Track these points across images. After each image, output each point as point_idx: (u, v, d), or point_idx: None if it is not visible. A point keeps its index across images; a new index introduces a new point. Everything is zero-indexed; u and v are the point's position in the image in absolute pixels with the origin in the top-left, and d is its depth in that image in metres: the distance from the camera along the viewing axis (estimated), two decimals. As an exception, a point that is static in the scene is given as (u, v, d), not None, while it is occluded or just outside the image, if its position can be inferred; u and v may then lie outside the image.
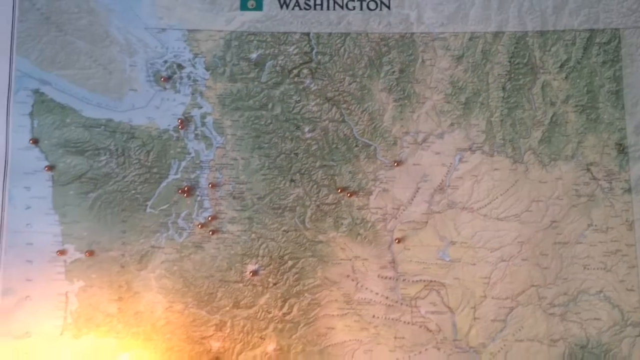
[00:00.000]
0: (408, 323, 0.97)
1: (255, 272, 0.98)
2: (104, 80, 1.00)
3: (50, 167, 0.99)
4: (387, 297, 0.98)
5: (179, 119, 1.00)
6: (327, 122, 1.00)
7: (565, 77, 0.99)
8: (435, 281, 0.98)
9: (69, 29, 1.00)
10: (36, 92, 0.99)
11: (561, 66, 0.99)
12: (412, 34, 1.01)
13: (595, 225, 0.97)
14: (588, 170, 0.97)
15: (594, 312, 0.96)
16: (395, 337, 0.97)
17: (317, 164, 0.99)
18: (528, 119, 0.99)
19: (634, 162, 0.97)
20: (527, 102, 0.99)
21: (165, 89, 1.00)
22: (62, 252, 0.98)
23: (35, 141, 0.99)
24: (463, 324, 0.97)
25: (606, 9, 1.00)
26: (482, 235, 0.98)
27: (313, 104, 1.00)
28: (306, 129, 1.00)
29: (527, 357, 0.96)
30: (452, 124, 0.99)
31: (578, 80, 0.99)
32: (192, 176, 0.99)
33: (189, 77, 1.00)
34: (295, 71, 1.00)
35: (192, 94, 1.00)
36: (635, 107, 0.98)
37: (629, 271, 0.96)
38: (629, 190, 0.97)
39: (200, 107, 1.00)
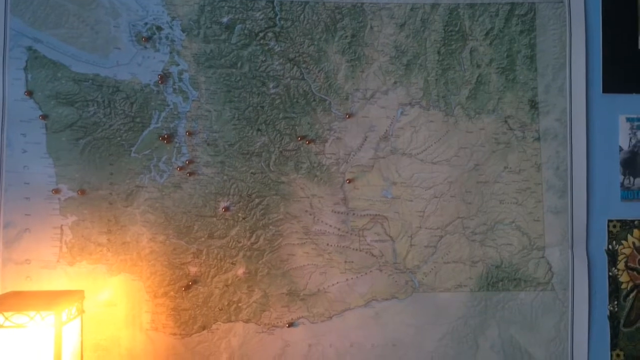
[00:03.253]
0: (356, 250, 1.15)
1: (227, 208, 1.14)
2: (91, 39, 1.12)
3: (44, 117, 1.11)
4: (339, 229, 1.15)
5: (158, 74, 1.13)
6: (289, 79, 1.15)
7: (490, 44, 1.16)
8: (379, 215, 1.16)
9: (57, -8, 1.12)
10: (30, 49, 1.11)
11: (486, 34, 1.16)
12: (362, 3, 1.16)
13: (510, 168, 1.16)
14: (506, 122, 1.16)
15: (507, 238, 1.16)
16: (345, 262, 1.15)
17: (280, 115, 1.15)
18: (458, 78, 1.16)
19: (543, 116, 1.17)
20: (458, 64, 1.16)
21: (146, 48, 1.13)
22: (56, 191, 1.11)
23: (29, 93, 1.11)
24: (402, 250, 1.16)
25: (525, -15, 1.18)
26: (419, 176, 1.16)
27: (277, 63, 1.15)
28: (271, 85, 1.15)
29: (453, 275, 1.16)
30: (395, 82, 1.16)
31: (500, 46, 1.17)
32: (171, 125, 1.13)
33: (167, 38, 1.13)
34: (261, 34, 1.15)
35: (170, 52, 1.13)
36: (546, 69, 1.17)
37: (536, 205, 1.16)
38: (538, 139, 1.16)
39: (178, 65, 1.14)
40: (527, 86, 1.16)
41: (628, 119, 1.17)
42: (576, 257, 1.16)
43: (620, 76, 1.17)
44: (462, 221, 1.16)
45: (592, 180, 1.17)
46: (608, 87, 1.17)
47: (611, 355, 1.16)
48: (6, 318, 0.89)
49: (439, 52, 1.16)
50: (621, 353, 1.16)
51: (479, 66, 1.16)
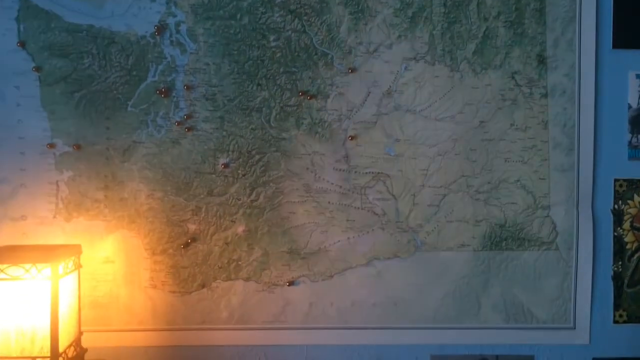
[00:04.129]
0: (358, 208, 1.13)
1: (226, 165, 1.12)
2: (85, -12, 1.08)
3: (38, 68, 1.08)
4: (340, 187, 1.13)
5: (155, 26, 1.09)
6: (290, 32, 1.11)
7: (498, -4, 1.13)
8: (382, 173, 1.13)
9: (49, -62, 1.07)
10: (21, -2, 1.07)
11: (494, -15, 1.13)
12: (366, -47, 1.12)
13: (517, 125, 1.13)
14: (513, 78, 1.13)
15: (512, 197, 1.14)
16: (347, 220, 1.13)
17: (281, 70, 1.12)
18: (464, 32, 1.13)
19: (551, 72, 1.13)
20: (465, 17, 1.12)
21: (142, -2, 1.09)
22: (51, 146, 1.09)
23: (22, 44, 1.07)
24: (404, 208, 1.14)
25: None
26: (423, 133, 1.13)
27: (277, 15, 1.11)
28: (271, 38, 1.11)
29: (456, 235, 1.14)
30: (399, 36, 1.12)
31: (508, -1, 1.13)
32: (169, 79, 1.10)
33: (164, -12, 1.09)
34: (261, -16, 1.11)
35: (167, 3, 1.09)
36: (554, 23, 1.13)
37: (541, 163, 1.14)
38: (545, 95, 1.13)
39: (175, 16, 1.10)
40: (536, 40, 1.13)
41: (638, 76, 1.14)
42: (581, 217, 1.14)
43: (631, 31, 1.14)
44: (466, 180, 1.14)
45: (600, 139, 1.14)
46: (618, 42, 1.13)
47: (614, 316, 1.15)
48: (1, 270, 0.87)
49: (445, 5, 1.12)
50: (624, 313, 1.15)
51: (486, 19, 1.12)
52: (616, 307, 1.15)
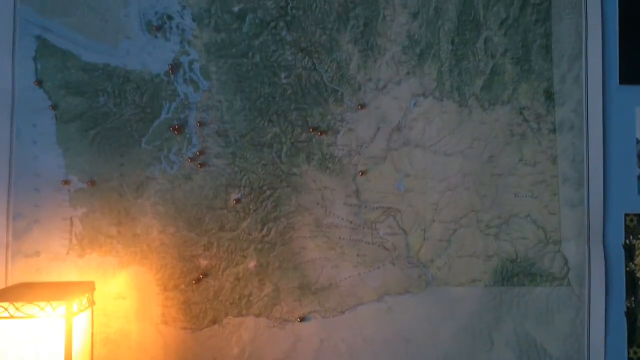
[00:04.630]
0: (369, 243, 1.14)
1: (238, 200, 1.13)
2: (101, 28, 1.11)
3: (54, 106, 1.10)
4: (351, 222, 1.14)
5: (169, 64, 1.12)
6: (300, 69, 1.14)
7: (504, 33, 1.15)
8: (392, 207, 1.14)
9: (67, -19, 1.11)
10: (39, 38, 1.10)
11: (501, 23, 1.15)
12: (375, -7, 1.14)
13: (525, 160, 1.14)
14: (521, 113, 1.14)
15: (522, 232, 1.14)
16: (357, 255, 1.13)
17: (292, 106, 1.13)
18: (472, 69, 1.14)
19: (559, 107, 1.15)
20: (472, 54, 1.14)
21: (156, 37, 1.12)
22: (66, 182, 1.10)
23: (39, 83, 1.10)
24: (415, 243, 1.14)
25: (541, -26, 1.16)
26: (432, 168, 1.14)
27: (288, 53, 1.13)
28: (282, 75, 1.13)
29: (467, 270, 1.14)
30: (408, 73, 1.14)
31: (514, 36, 1.15)
32: (182, 116, 1.12)
33: (177, 27, 1.12)
34: (272, 23, 1.13)
35: (181, 42, 1.12)
36: (561, 59, 1.15)
37: (551, 198, 1.14)
38: (553, 131, 1.14)
39: (189, 54, 1.12)
40: (543, 76, 1.15)
41: (646, 111, 1.15)
42: (593, 252, 1.14)
43: (638, 67, 1.15)
44: (476, 214, 1.14)
45: (609, 173, 1.15)
46: (625, 79, 1.15)
47: (628, 352, 1.14)
48: (17, 308, 0.87)
49: (452, 42, 1.14)
50: (638, 350, 1.14)
51: (493, 56, 1.14)
52: (630, 343, 1.14)
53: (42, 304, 0.88)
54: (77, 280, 1.07)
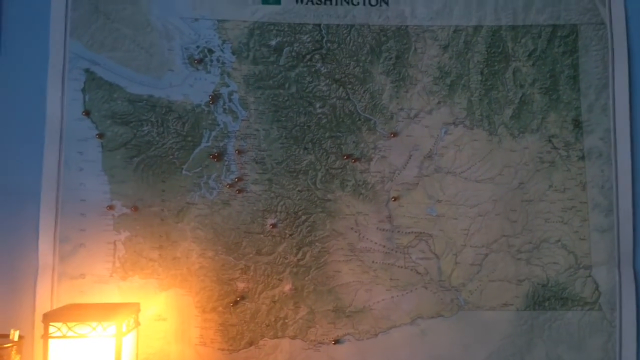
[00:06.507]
0: (401, 267, 1.16)
1: (274, 225, 1.16)
2: (146, 61, 1.17)
3: (100, 135, 1.16)
4: (384, 246, 1.17)
5: (209, 95, 1.17)
6: (335, 99, 1.18)
7: (532, 64, 1.18)
8: (424, 232, 1.17)
9: (115, 17, 1.17)
10: (87, 71, 1.16)
11: (529, 55, 1.19)
12: (407, 26, 1.19)
13: (555, 186, 1.17)
14: (550, 141, 1.18)
15: (553, 257, 1.16)
16: (390, 279, 1.16)
17: (327, 134, 1.18)
18: (502, 98, 1.18)
19: (587, 135, 1.18)
20: (501, 84, 1.18)
21: (198, 70, 1.17)
22: (110, 207, 1.15)
23: (87, 113, 1.16)
24: (446, 267, 1.16)
25: (566, 7, 1.20)
26: (463, 194, 1.17)
27: (323, 84, 1.18)
28: (317, 105, 1.18)
29: (499, 294, 1.16)
30: (439, 102, 1.18)
31: (543, 67, 1.18)
32: (221, 144, 1.17)
33: (218, 60, 1.18)
34: (308, 56, 1.18)
35: (221, 74, 1.17)
36: (588, 89, 1.18)
37: (581, 224, 1.16)
38: (582, 158, 1.17)
39: (228, 86, 1.17)
40: (571, 106, 1.18)
41: (673, 138, 1.18)
42: (623, 277, 1.15)
43: (664, 96, 1.18)
44: (507, 239, 1.16)
45: (638, 199, 1.17)
46: (651, 107, 1.18)
47: (661, 377, 1.14)
48: (69, 328, 0.91)
49: (482, 73, 1.18)
50: (671, 375, 1.14)
51: (522, 86, 1.18)
52: (663, 368, 1.15)
53: (94, 324, 0.91)
54: (120, 302, 1.11)
